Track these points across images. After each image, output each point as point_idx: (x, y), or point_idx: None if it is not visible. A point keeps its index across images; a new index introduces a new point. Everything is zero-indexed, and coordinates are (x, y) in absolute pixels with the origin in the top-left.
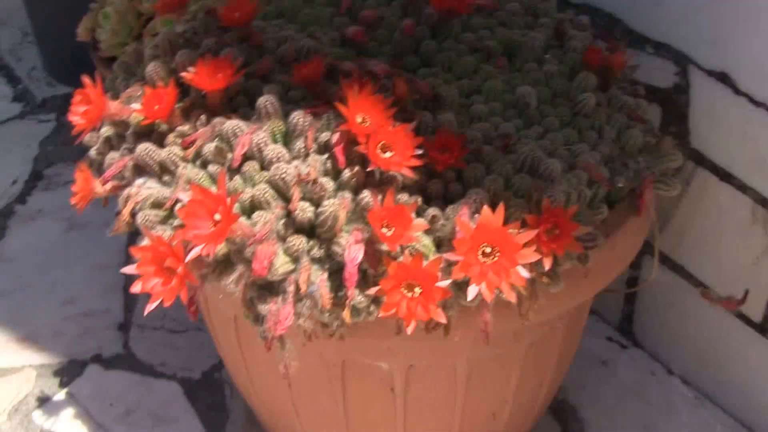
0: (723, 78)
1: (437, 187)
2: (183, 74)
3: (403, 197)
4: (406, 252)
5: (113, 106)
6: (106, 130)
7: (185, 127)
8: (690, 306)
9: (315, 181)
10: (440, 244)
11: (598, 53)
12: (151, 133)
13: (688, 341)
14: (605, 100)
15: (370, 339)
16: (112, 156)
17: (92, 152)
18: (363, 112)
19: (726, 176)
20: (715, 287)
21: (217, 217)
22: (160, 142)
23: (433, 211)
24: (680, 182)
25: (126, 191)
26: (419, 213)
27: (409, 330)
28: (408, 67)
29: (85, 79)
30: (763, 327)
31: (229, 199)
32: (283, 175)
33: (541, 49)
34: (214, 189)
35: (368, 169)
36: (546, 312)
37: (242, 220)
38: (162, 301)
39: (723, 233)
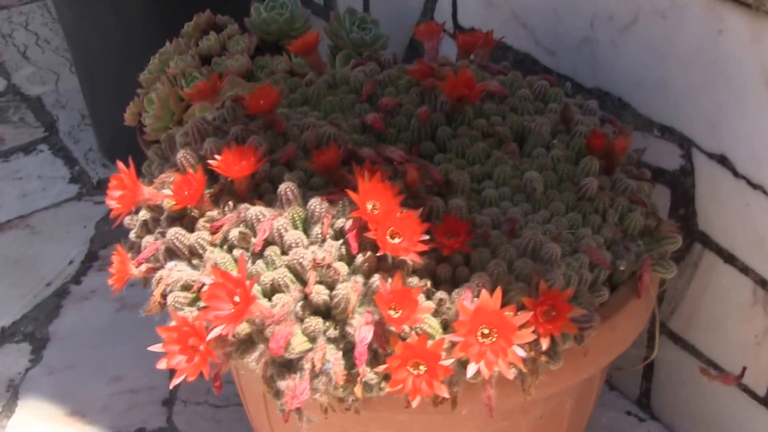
0: (723, 160)
1: (445, 271)
2: (210, 162)
3: (414, 280)
4: (413, 333)
5: (147, 191)
6: (143, 214)
7: (214, 213)
8: (701, 382)
9: (329, 266)
10: (446, 326)
11: (602, 138)
12: (183, 218)
13: (700, 414)
14: (609, 184)
15: (384, 413)
16: (148, 239)
17: (132, 235)
18: (373, 199)
19: (729, 258)
20: (724, 364)
21: (237, 299)
22: (191, 227)
23: (440, 294)
24: (684, 264)
25: (158, 273)
26: (428, 296)
27: (414, 404)
28: (424, 153)
29: (120, 165)
30: (767, 401)
31: (248, 282)
32: (301, 260)
33: (548, 134)
34: (235, 273)
35: (379, 254)
36: (549, 388)
37: (262, 301)
38: (186, 377)
39: (728, 313)
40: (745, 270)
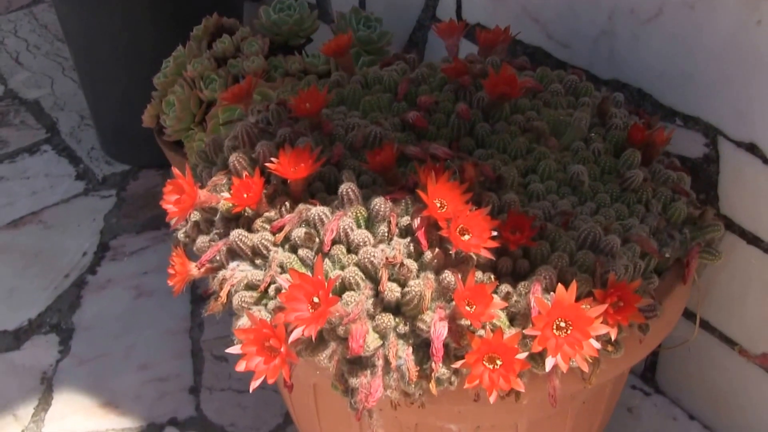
0: (752, 149)
1: (507, 264)
2: (267, 165)
3: (478, 275)
4: (487, 327)
5: (203, 194)
6: (195, 216)
7: (271, 213)
8: (711, 357)
9: (402, 264)
10: (513, 319)
11: (643, 131)
12: (238, 219)
13: (708, 388)
14: (649, 175)
15: (448, 405)
16: (203, 240)
17: (180, 235)
18: (441, 197)
19: (754, 240)
20: (740, 341)
21: (316, 300)
22: (248, 227)
23: (505, 287)
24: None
25: (221, 274)
26: (494, 290)
27: (492, 399)
28: (464, 149)
29: (176, 171)
30: None
31: (326, 283)
32: (372, 258)
33: (586, 127)
34: (305, 272)
35: (451, 252)
36: (605, 375)
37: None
38: (266, 379)
39: (748, 292)
40: None
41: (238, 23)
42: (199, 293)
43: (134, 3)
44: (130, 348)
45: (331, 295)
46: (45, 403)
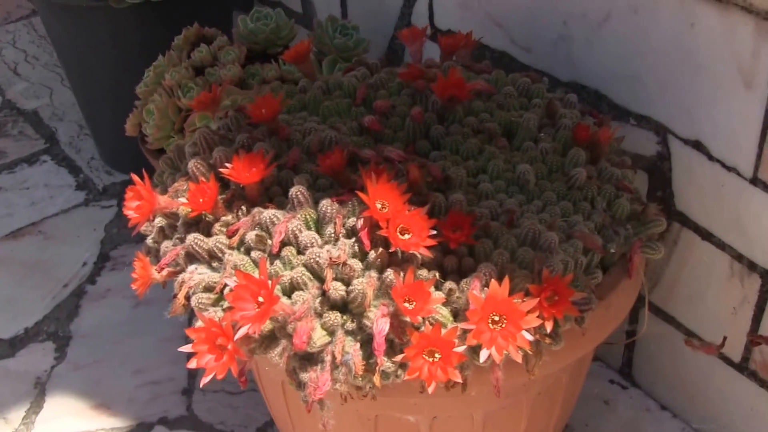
0: (698, 146)
1: (452, 262)
2: (221, 170)
3: (423, 273)
4: (427, 322)
5: (162, 200)
6: (159, 221)
7: (228, 217)
8: (681, 351)
9: (345, 263)
10: (457, 314)
11: (587, 130)
12: (199, 223)
13: (679, 381)
14: (596, 173)
15: (399, 397)
16: (167, 245)
17: (149, 241)
18: (382, 198)
19: (707, 235)
20: (702, 334)
21: (261, 299)
22: (208, 231)
23: (449, 284)
24: (665, 245)
25: (180, 277)
26: (437, 287)
27: (431, 390)
28: (420, 151)
29: (135, 178)
30: (742, 366)
31: (270, 283)
32: (317, 259)
33: (535, 128)
34: (257, 274)
35: (391, 250)
36: (550, 366)
37: (283, 300)
38: (215, 375)
39: (707, 287)
40: (721, 246)
41: (219, 33)
42: None
43: (119, 15)
44: (127, 354)
45: (280, 294)
46: (37, 406)
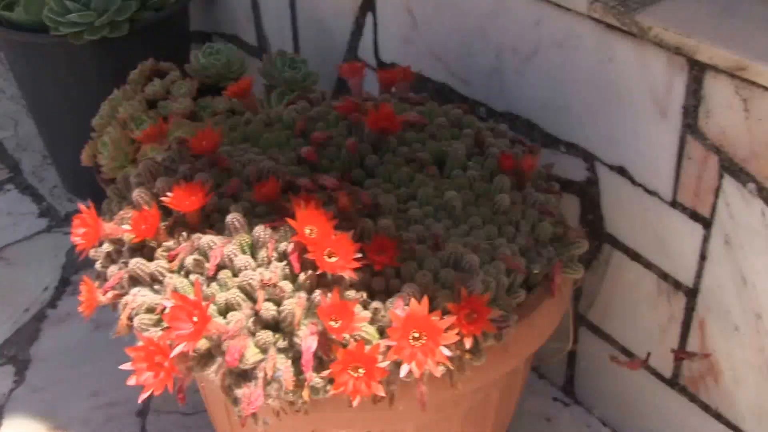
0: (622, 171)
1: (380, 283)
2: (162, 199)
3: (351, 293)
4: (352, 340)
5: (108, 227)
6: (106, 247)
7: (170, 243)
8: (617, 368)
9: (276, 285)
10: (382, 332)
11: (511, 158)
12: (143, 248)
13: (617, 397)
14: (521, 198)
15: (331, 412)
16: (113, 269)
17: (97, 265)
18: (310, 224)
19: (635, 256)
20: (636, 351)
21: (195, 319)
22: (150, 256)
23: (375, 304)
24: (597, 263)
25: (124, 299)
26: (365, 306)
27: (355, 403)
28: (355, 180)
29: (81, 206)
30: (673, 382)
31: (204, 304)
32: (250, 281)
33: (464, 156)
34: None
35: (318, 272)
36: (475, 381)
37: (218, 319)
38: (153, 391)
39: (637, 305)
40: (648, 266)
41: (174, 67)
42: None
43: (78, 50)
44: (85, 377)
45: (215, 315)
46: None
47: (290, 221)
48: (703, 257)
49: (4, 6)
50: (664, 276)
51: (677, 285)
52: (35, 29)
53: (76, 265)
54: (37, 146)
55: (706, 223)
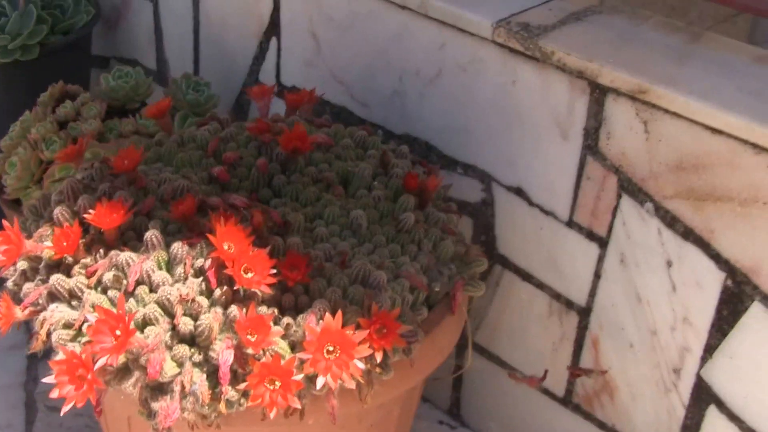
0: (519, 192)
1: (289, 300)
2: (85, 216)
3: (263, 309)
4: (267, 353)
5: (29, 244)
6: (22, 265)
7: (87, 260)
8: (506, 388)
9: (193, 300)
10: (294, 347)
11: (416, 178)
12: (60, 266)
13: (507, 418)
14: (423, 217)
15: (242, 426)
16: (29, 286)
17: (9, 283)
18: (228, 240)
19: (527, 276)
20: (526, 371)
21: (118, 332)
22: (68, 273)
23: (287, 319)
24: (486, 284)
25: (41, 315)
26: (276, 322)
27: (272, 415)
28: (263, 199)
29: (6, 224)
30: (565, 400)
31: (127, 317)
32: (168, 296)
33: (370, 177)
34: (114, 310)
35: (235, 288)
36: (382, 396)
37: (137, 334)
38: (75, 404)
39: (528, 325)
40: (540, 286)
41: (82, 89)
42: None
43: None
44: None
45: (133, 328)
46: None
47: (210, 237)
48: (597, 276)
49: None
50: (556, 296)
51: (569, 304)
52: None
53: None
54: None
55: (602, 243)
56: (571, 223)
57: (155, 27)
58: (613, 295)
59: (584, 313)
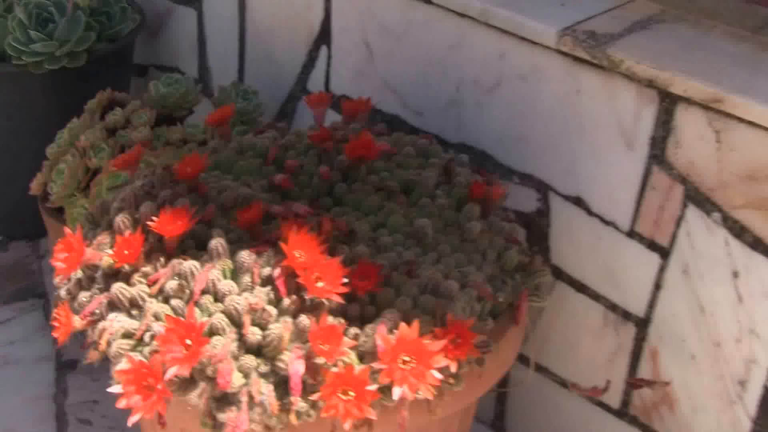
0: (578, 202)
1: (355, 309)
2: (148, 223)
3: (330, 319)
4: (339, 364)
5: (88, 252)
6: (77, 273)
7: (147, 268)
8: (555, 400)
9: (263, 309)
10: (362, 357)
11: (481, 187)
12: (118, 274)
13: (554, 430)
14: (486, 226)
15: None
16: (84, 295)
17: (63, 292)
18: (300, 249)
19: (581, 287)
20: (577, 382)
21: (189, 342)
22: (127, 282)
23: (354, 330)
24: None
25: (100, 324)
26: (344, 332)
27: (347, 426)
28: (323, 207)
29: (68, 231)
30: (621, 412)
31: (197, 327)
32: (236, 305)
33: (433, 185)
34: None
35: (306, 297)
36: (449, 408)
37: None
38: (143, 414)
39: (580, 336)
40: (596, 297)
41: (129, 97)
42: (63, 361)
43: (30, 81)
44: None
45: (204, 338)
46: None
47: (282, 245)
48: (657, 287)
49: None
50: (612, 307)
51: (627, 315)
52: None
53: None
54: None
55: (664, 253)
56: (632, 233)
57: (198, 35)
58: (675, 306)
59: (642, 324)
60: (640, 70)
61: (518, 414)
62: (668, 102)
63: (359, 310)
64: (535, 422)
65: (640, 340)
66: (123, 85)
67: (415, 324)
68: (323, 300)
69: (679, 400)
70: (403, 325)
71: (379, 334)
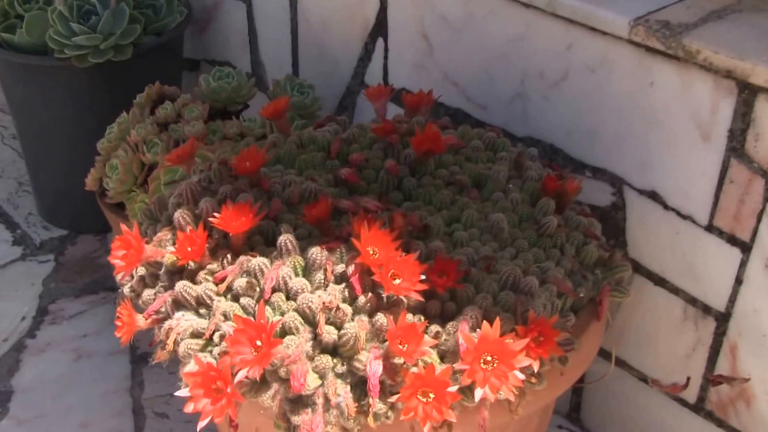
0: (653, 196)
1: (435, 307)
2: (210, 219)
3: (409, 317)
4: (419, 364)
5: (149, 249)
6: (140, 270)
7: (213, 265)
8: (632, 394)
9: (338, 308)
10: (443, 356)
11: (555, 181)
12: (182, 272)
13: (630, 424)
14: (563, 221)
15: None
16: (149, 293)
17: (126, 290)
18: (373, 245)
19: (660, 281)
20: (654, 376)
21: (259, 343)
22: (192, 279)
23: (435, 327)
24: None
25: (167, 324)
26: (425, 330)
27: (426, 429)
28: (393, 202)
29: (124, 228)
30: (698, 407)
31: (268, 327)
32: (310, 304)
33: (505, 179)
34: (249, 319)
35: (384, 295)
36: (530, 407)
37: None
38: (212, 418)
39: (659, 330)
40: (675, 291)
41: (179, 91)
42: (138, 354)
43: (78, 73)
44: (70, 408)
45: (276, 339)
46: None
47: (355, 242)
48: (738, 281)
49: (4, 28)
50: (692, 301)
51: (707, 310)
52: (36, 51)
53: (53, 294)
54: (13, 173)
55: (745, 247)
56: (710, 228)
57: (249, 28)
58: (756, 301)
59: (723, 318)
60: (717, 60)
61: (594, 406)
62: (747, 93)
63: (440, 307)
64: (610, 414)
65: (719, 334)
66: (173, 79)
67: (497, 322)
68: (401, 297)
69: (756, 396)
70: (485, 323)
71: (462, 332)
